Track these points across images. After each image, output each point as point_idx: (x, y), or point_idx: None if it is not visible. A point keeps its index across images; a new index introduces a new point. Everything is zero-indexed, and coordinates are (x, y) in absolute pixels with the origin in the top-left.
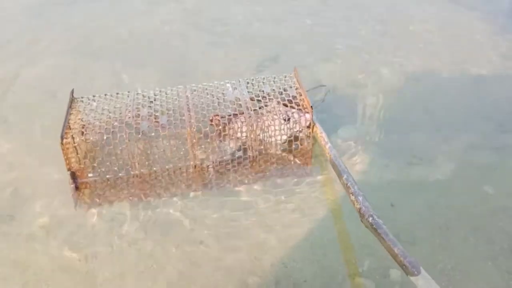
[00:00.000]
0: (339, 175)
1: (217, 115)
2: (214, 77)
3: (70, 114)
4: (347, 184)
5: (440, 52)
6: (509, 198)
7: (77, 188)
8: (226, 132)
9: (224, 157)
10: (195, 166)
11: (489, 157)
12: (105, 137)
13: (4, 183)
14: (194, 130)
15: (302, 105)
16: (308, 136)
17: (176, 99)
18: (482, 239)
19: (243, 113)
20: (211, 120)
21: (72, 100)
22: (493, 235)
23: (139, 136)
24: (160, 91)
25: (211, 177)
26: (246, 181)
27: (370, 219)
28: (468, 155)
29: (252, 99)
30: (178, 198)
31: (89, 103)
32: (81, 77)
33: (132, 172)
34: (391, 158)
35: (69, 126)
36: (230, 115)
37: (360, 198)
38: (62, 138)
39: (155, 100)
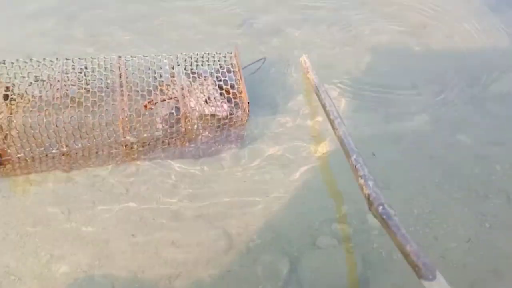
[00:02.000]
0: (348, 155)
1: (151, 101)
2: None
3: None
4: (356, 166)
5: (416, 12)
6: (483, 147)
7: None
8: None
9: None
10: (125, 146)
11: (465, 109)
12: (29, 120)
13: None
14: (127, 119)
15: (239, 97)
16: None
17: (109, 74)
18: (456, 185)
19: (175, 98)
20: (145, 106)
21: None
22: (468, 181)
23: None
24: (92, 61)
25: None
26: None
27: (380, 208)
28: (444, 108)
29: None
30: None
31: (13, 72)
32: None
33: (56, 150)
34: (371, 112)
35: None
36: (163, 100)
37: (371, 184)
38: None
39: (85, 72)
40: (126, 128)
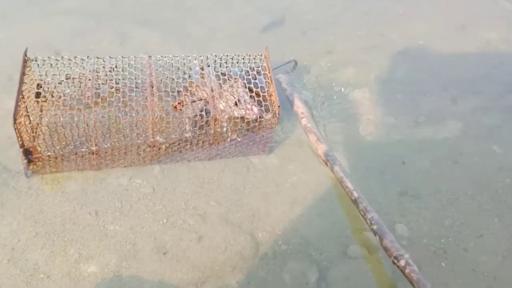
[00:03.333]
0: (326, 162)
1: (181, 102)
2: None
3: (24, 83)
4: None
5: (445, 15)
6: None
7: (30, 162)
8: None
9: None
10: (153, 147)
11: (497, 117)
12: (60, 119)
13: None
14: (156, 119)
15: (270, 100)
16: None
17: (139, 73)
18: (488, 196)
19: (205, 99)
20: (175, 107)
21: (25, 62)
22: (500, 192)
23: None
24: (122, 60)
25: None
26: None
27: (375, 227)
28: (475, 115)
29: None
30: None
31: (45, 69)
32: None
33: (85, 149)
34: (398, 117)
35: (23, 100)
36: (193, 101)
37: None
38: (14, 119)
39: (116, 70)
40: (155, 129)
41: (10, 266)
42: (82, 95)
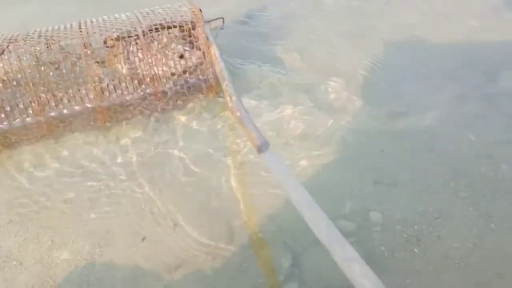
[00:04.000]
0: (222, 81)
1: (111, 37)
2: None
3: None
4: (227, 89)
5: (430, 3)
6: (492, 145)
7: None
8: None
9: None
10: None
11: (475, 105)
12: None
13: None
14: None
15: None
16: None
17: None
18: (463, 184)
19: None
20: (105, 42)
21: None
22: (475, 180)
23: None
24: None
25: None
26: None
27: (237, 113)
28: (454, 103)
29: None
30: None
31: None
32: None
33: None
34: (379, 106)
35: None
36: (124, 36)
37: (234, 98)
38: None
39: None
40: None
41: None
42: None
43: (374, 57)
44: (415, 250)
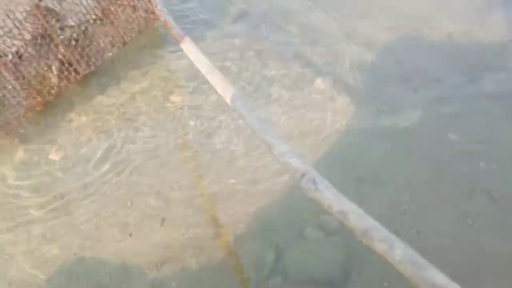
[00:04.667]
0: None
1: None
2: None
3: None
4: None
5: (411, 6)
6: (472, 144)
7: None
8: None
9: None
10: None
11: (455, 106)
12: None
13: None
14: None
15: None
16: None
17: None
18: (444, 183)
19: None
20: None
21: None
22: (455, 179)
23: None
24: None
25: None
26: None
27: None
28: (435, 104)
29: None
30: None
31: None
32: None
33: None
34: (361, 106)
35: None
36: None
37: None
38: None
39: None
40: None
41: None
42: None
43: (356, 57)
44: None
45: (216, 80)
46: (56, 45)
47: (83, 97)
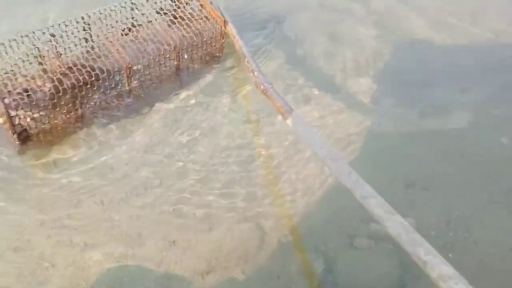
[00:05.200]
0: (243, 58)
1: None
2: None
3: None
4: (248, 65)
5: (455, 4)
6: None
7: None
8: None
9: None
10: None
11: (505, 108)
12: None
13: None
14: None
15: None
16: None
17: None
18: (498, 189)
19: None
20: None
21: None
22: (509, 185)
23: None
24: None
25: None
26: None
27: (262, 86)
28: (484, 106)
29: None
30: None
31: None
32: None
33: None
34: (405, 108)
35: None
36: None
37: (256, 73)
38: (6, 110)
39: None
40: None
41: (16, 255)
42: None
43: (401, 57)
44: (450, 255)
45: (327, 155)
46: None
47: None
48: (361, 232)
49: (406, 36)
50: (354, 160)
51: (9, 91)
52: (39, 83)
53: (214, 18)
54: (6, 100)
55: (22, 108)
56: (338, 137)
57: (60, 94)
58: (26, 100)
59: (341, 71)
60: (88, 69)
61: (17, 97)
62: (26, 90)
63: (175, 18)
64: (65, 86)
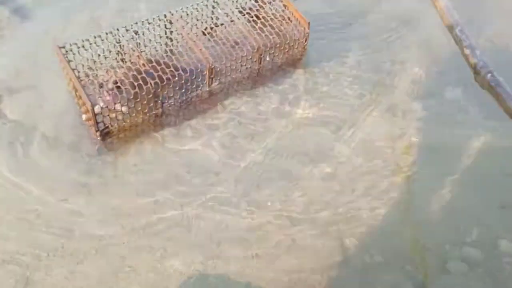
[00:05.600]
0: (451, 28)
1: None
2: None
3: (74, 69)
4: (460, 38)
5: None
6: None
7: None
8: None
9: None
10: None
11: None
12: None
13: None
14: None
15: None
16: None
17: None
18: None
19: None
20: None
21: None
22: None
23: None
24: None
25: None
26: None
27: (489, 76)
28: None
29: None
30: None
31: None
32: None
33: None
34: (501, 121)
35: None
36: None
37: (478, 52)
38: (92, 107)
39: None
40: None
41: (98, 257)
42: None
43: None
44: None
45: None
46: None
47: None
48: (454, 255)
49: (494, 41)
50: (444, 176)
51: (100, 86)
52: (124, 80)
53: (297, 19)
54: (106, 94)
55: (114, 103)
56: (422, 150)
57: (144, 92)
58: (118, 95)
59: (428, 78)
60: (172, 68)
61: (111, 92)
62: (117, 86)
63: (258, 18)
64: (149, 85)
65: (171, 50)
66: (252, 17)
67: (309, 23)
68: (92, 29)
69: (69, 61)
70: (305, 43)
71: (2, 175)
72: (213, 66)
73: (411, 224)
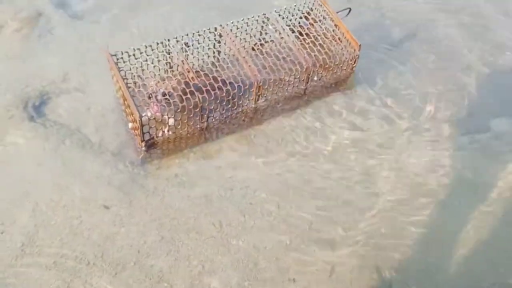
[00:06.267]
0: None
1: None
2: None
3: (125, 78)
4: None
5: None
6: None
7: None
8: None
9: None
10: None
11: None
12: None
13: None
14: (261, 83)
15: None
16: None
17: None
18: None
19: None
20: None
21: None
22: None
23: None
24: (193, 35)
25: None
26: None
27: None
28: None
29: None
30: None
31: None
32: None
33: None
34: None
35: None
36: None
37: None
38: (140, 118)
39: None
40: (260, 93)
41: (136, 269)
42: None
43: None
44: None
45: None
46: None
47: None
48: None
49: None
50: (492, 214)
51: (149, 96)
52: (173, 92)
53: (347, 40)
54: (154, 105)
55: (162, 115)
56: (470, 185)
57: (191, 105)
58: (166, 107)
59: (475, 109)
60: (220, 84)
61: (160, 103)
62: (165, 98)
63: (308, 36)
64: (197, 99)
65: (219, 64)
66: (302, 35)
67: (360, 45)
68: (139, 38)
69: (120, 70)
70: (354, 65)
71: (46, 179)
72: (261, 84)
73: (454, 257)
